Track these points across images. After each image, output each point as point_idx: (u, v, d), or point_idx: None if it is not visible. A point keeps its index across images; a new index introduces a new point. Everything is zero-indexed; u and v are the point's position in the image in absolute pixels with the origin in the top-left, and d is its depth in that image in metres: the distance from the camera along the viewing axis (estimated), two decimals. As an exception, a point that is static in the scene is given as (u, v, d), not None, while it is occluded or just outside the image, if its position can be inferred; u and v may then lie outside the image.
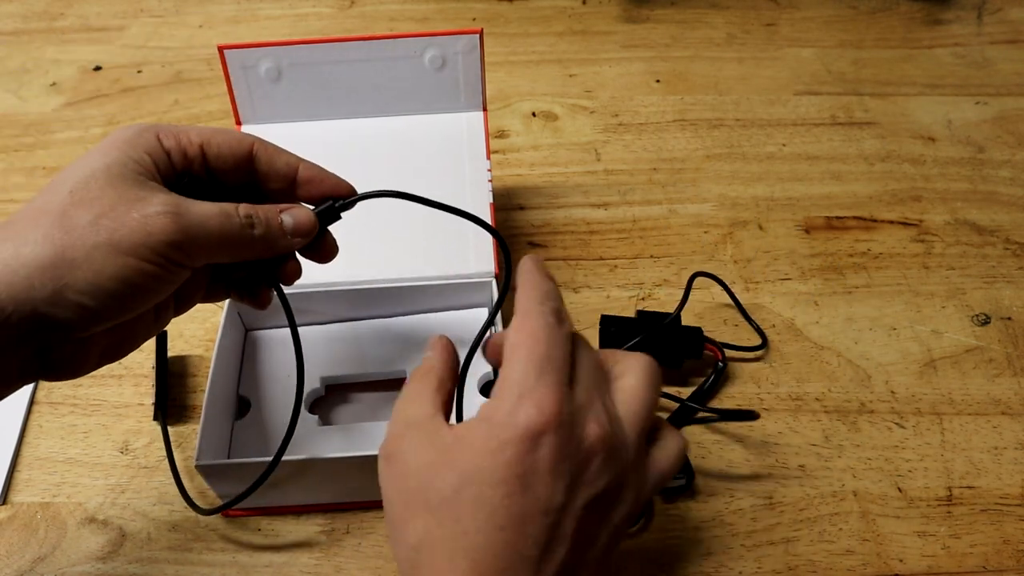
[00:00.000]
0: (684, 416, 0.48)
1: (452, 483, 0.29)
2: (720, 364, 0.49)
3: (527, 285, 0.33)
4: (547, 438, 0.28)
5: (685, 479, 0.44)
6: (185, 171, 0.35)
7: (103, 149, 0.33)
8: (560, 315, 0.32)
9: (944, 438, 0.47)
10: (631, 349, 0.47)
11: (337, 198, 0.39)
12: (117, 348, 0.35)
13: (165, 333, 0.49)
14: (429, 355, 0.35)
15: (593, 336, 0.49)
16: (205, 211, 0.33)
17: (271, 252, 0.36)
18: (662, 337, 0.48)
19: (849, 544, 0.43)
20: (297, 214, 0.37)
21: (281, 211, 0.36)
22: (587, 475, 0.29)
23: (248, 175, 0.37)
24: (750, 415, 0.44)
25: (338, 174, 0.39)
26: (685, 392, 0.49)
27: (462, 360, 0.37)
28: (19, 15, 0.81)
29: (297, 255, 0.40)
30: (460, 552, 0.28)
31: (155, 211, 0.31)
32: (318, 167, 0.38)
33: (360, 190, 0.52)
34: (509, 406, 0.29)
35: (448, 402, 0.34)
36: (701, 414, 0.47)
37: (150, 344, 0.52)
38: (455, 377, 0.35)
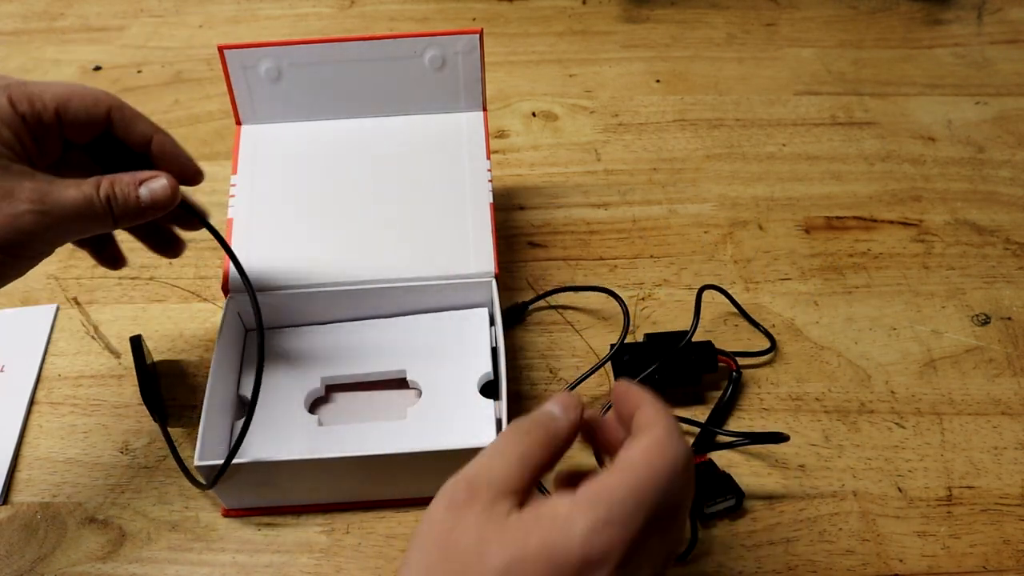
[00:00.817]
0: (708, 440, 0.46)
1: (498, 564, 0.26)
2: (735, 374, 0.49)
3: (659, 409, 0.31)
4: (603, 571, 0.26)
5: (735, 500, 0.43)
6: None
7: None
8: (689, 469, 0.29)
9: (944, 438, 0.47)
10: (647, 379, 0.46)
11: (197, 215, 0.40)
12: None
13: (139, 340, 0.49)
14: (557, 415, 0.32)
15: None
16: (68, 198, 0.34)
17: (131, 224, 0.37)
18: (677, 359, 0.48)
19: (849, 544, 0.43)
20: (155, 187, 0.36)
21: (140, 182, 0.36)
22: None
23: (108, 137, 0.37)
24: (779, 437, 0.43)
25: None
26: (705, 411, 0.48)
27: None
28: (19, 15, 0.81)
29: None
30: None
31: (23, 209, 0.33)
32: (170, 141, 0.38)
33: (360, 189, 0.53)
34: (591, 522, 0.27)
35: (535, 483, 0.30)
36: (726, 438, 0.45)
37: (157, 349, 0.52)
38: (562, 453, 0.31)
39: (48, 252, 0.35)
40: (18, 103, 0.35)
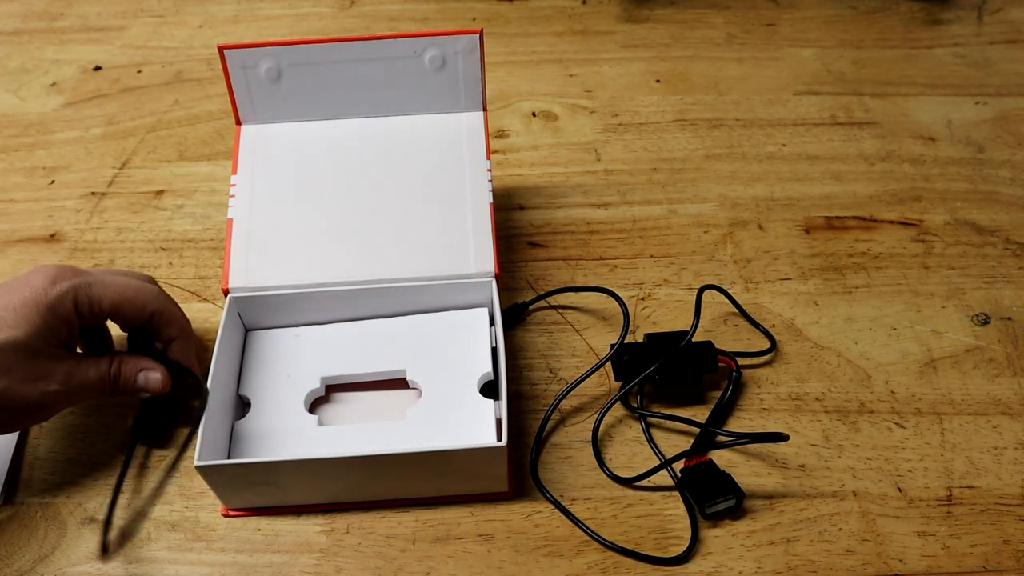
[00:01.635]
0: (708, 440, 0.46)
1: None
2: (735, 374, 0.49)
3: None
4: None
5: (735, 500, 0.43)
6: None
7: (27, 313, 0.40)
8: None
9: (944, 438, 0.47)
10: (647, 377, 0.47)
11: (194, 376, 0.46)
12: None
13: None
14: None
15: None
16: (89, 380, 0.41)
17: (124, 396, 0.44)
18: (677, 359, 0.47)
19: (849, 544, 0.43)
20: (150, 377, 0.44)
21: (141, 370, 0.43)
22: None
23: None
24: (778, 437, 0.43)
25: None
26: (705, 411, 0.48)
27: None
28: (19, 15, 0.81)
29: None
30: None
31: (53, 389, 0.40)
32: (185, 350, 0.46)
33: (360, 189, 0.53)
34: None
35: None
36: (725, 438, 0.45)
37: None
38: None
39: (60, 412, 0.43)
40: (80, 306, 0.41)
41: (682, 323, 0.53)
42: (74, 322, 0.42)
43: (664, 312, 0.53)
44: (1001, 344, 0.51)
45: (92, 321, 0.43)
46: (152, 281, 0.47)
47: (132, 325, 0.45)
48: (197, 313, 0.54)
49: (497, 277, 0.49)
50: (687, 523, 0.43)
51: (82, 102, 0.71)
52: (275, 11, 0.80)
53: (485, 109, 0.53)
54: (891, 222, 0.59)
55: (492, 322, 0.50)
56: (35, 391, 0.40)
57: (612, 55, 0.74)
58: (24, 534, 0.44)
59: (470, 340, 0.49)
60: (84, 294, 0.42)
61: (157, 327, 0.45)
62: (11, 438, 0.48)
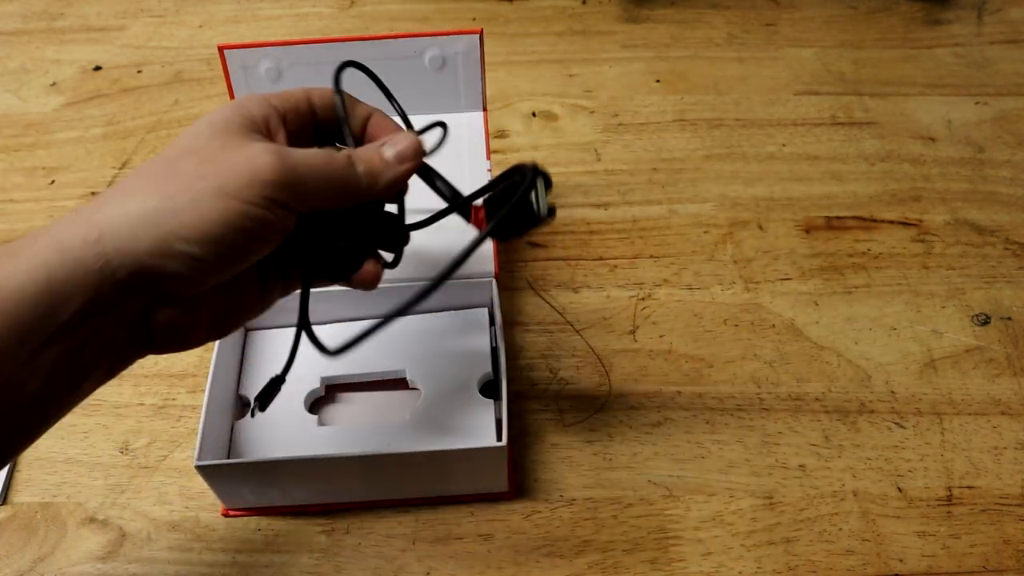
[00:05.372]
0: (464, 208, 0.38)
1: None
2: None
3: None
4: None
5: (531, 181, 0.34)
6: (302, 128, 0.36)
7: (210, 114, 0.33)
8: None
9: (944, 438, 0.47)
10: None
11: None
12: (224, 319, 0.34)
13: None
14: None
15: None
16: (308, 153, 0.32)
17: (380, 190, 0.34)
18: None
19: (849, 544, 0.43)
20: (396, 140, 0.34)
21: (381, 145, 0.35)
22: None
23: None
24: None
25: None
26: None
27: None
28: (19, 15, 0.81)
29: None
30: None
31: (259, 154, 0.30)
32: (388, 119, 0.37)
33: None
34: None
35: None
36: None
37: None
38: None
39: (292, 208, 0.32)
40: (273, 99, 0.34)
41: (682, 323, 0.53)
42: (269, 110, 0.34)
43: (664, 312, 0.53)
44: (1001, 344, 0.51)
45: (294, 112, 0.35)
46: None
47: (332, 115, 0.36)
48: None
49: (497, 277, 0.49)
50: (687, 523, 0.43)
51: (82, 102, 0.71)
52: (275, 11, 0.80)
53: (485, 109, 0.53)
54: (891, 222, 0.59)
55: (492, 322, 0.50)
56: (240, 159, 0.30)
57: (612, 55, 0.74)
58: (24, 534, 0.44)
59: (470, 340, 0.49)
60: (275, 94, 0.35)
61: (349, 106, 0.36)
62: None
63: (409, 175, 0.35)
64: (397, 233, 0.39)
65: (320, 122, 0.36)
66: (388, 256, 0.40)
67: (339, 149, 0.34)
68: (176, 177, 0.30)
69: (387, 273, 0.49)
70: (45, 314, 0.28)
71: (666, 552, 0.43)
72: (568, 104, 0.69)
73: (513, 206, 0.34)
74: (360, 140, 0.37)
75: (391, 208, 0.39)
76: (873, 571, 0.42)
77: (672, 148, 0.65)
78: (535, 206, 0.34)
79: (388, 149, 0.34)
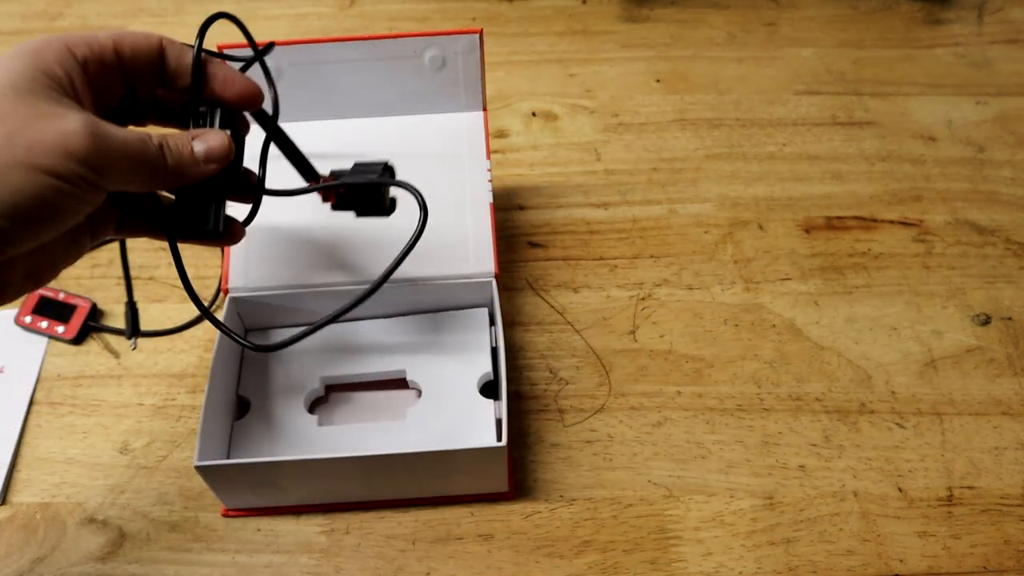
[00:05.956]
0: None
1: None
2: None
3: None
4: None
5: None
6: (126, 94, 0.36)
7: (4, 63, 0.31)
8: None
9: (944, 438, 0.47)
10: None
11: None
12: (37, 275, 0.34)
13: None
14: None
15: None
16: (122, 134, 0.32)
17: (184, 181, 0.35)
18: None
19: (849, 544, 0.43)
20: (209, 138, 0.35)
21: (193, 138, 0.35)
22: None
23: (160, 76, 0.36)
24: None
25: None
26: None
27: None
28: (19, 15, 0.80)
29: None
30: None
31: (73, 129, 0.30)
32: (226, 66, 0.38)
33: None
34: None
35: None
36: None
37: (156, 349, 0.52)
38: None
39: (101, 188, 0.32)
40: (76, 48, 0.33)
41: (683, 323, 0.52)
42: (73, 65, 0.32)
43: (664, 312, 0.53)
44: (1002, 344, 0.51)
45: (99, 66, 0.34)
46: None
47: (144, 69, 0.35)
48: (197, 313, 0.54)
49: (497, 277, 0.49)
50: (687, 523, 0.43)
51: (82, 102, 0.71)
52: (275, 11, 0.80)
53: (485, 109, 0.53)
54: (891, 222, 0.59)
55: (492, 322, 0.50)
56: (52, 134, 0.29)
57: (612, 55, 0.74)
58: (24, 534, 0.44)
59: (470, 340, 0.49)
60: (77, 39, 0.33)
61: (175, 55, 0.36)
62: (10, 438, 0.48)
63: (214, 174, 0.36)
64: (248, 191, 0.41)
65: (128, 69, 0.35)
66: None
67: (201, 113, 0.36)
68: None
69: (363, 273, 0.49)
70: None
71: (666, 552, 0.42)
72: (568, 104, 0.69)
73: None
74: (200, 84, 0.37)
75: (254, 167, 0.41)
76: (873, 571, 0.42)
77: (672, 148, 0.65)
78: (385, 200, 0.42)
79: (199, 144, 0.35)
